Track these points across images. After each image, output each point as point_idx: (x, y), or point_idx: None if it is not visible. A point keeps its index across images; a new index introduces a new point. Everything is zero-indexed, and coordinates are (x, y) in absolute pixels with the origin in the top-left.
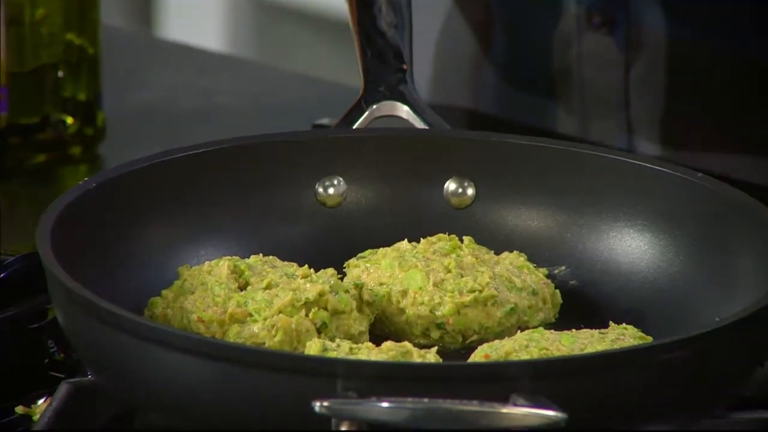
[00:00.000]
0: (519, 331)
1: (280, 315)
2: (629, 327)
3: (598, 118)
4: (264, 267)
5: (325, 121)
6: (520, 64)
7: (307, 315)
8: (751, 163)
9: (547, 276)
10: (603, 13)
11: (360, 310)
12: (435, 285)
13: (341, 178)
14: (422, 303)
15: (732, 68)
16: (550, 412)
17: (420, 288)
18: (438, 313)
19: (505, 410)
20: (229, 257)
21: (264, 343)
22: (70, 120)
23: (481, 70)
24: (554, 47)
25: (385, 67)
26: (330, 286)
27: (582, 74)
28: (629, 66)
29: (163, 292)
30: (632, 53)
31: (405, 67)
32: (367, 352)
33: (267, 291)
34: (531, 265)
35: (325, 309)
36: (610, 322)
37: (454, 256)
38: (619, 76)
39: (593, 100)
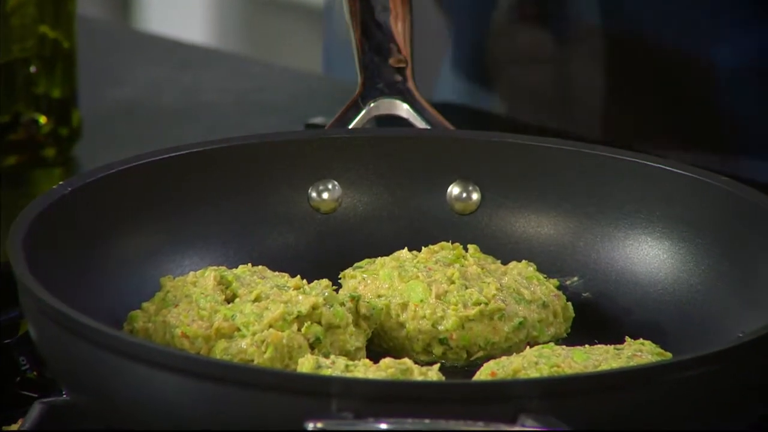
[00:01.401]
0: (528, 346)
1: (271, 330)
2: (646, 342)
3: (533, 114)
4: (253, 278)
5: (319, 120)
6: (461, 56)
7: (299, 329)
8: (691, 157)
9: (559, 287)
10: (537, 5)
11: (356, 324)
12: (437, 297)
13: (336, 182)
14: (423, 317)
15: (670, 61)
16: None
17: (421, 300)
18: (440, 328)
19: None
20: (215, 267)
21: (253, 360)
22: (43, 119)
23: (440, 64)
24: (487, 40)
25: (383, 62)
26: (324, 299)
27: (515, 69)
28: (565, 60)
29: (144, 304)
30: (568, 47)
31: (405, 62)
32: (364, 370)
33: (256, 304)
34: (541, 276)
35: (319, 323)
36: (626, 337)
37: (457, 266)
38: (555, 70)
39: (527, 96)
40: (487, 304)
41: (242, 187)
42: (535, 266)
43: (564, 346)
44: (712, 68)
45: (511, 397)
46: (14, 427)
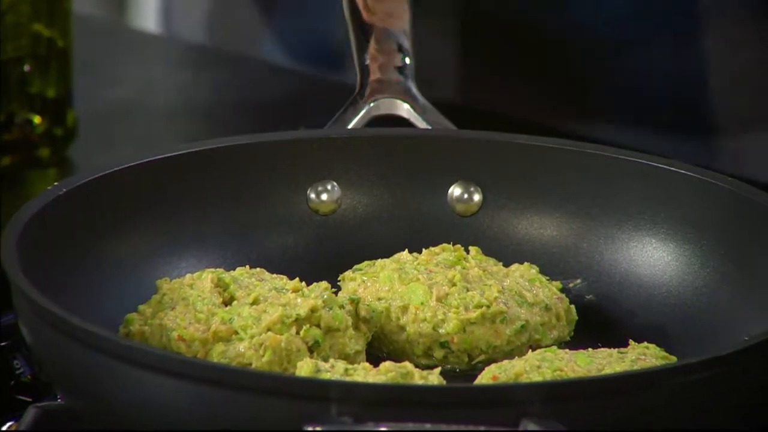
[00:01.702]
0: (530, 350)
1: (269, 333)
2: (651, 346)
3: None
4: (251, 280)
5: (315, 121)
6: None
7: (298, 333)
8: (551, 120)
9: (561, 290)
10: None
11: (356, 327)
12: (438, 300)
13: (336, 183)
14: (424, 320)
15: (528, 35)
16: None
17: (422, 303)
18: (441, 331)
19: None
20: (212, 269)
21: (251, 364)
22: (37, 119)
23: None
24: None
25: (383, 61)
26: (323, 301)
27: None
28: (416, 32)
29: (140, 307)
30: (419, 19)
31: (406, 60)
32: (364, 374)
33: (254, 306)
34: (543, 278)
35: (318, 326)
36: (630, 340)
37: (459, 268)
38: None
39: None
40: (488, 306)
41: (240, 189)
42: (537, 268)
43: (567, 350)
44: (567, 30)
45: (513, 401)
46: (9, 431)
